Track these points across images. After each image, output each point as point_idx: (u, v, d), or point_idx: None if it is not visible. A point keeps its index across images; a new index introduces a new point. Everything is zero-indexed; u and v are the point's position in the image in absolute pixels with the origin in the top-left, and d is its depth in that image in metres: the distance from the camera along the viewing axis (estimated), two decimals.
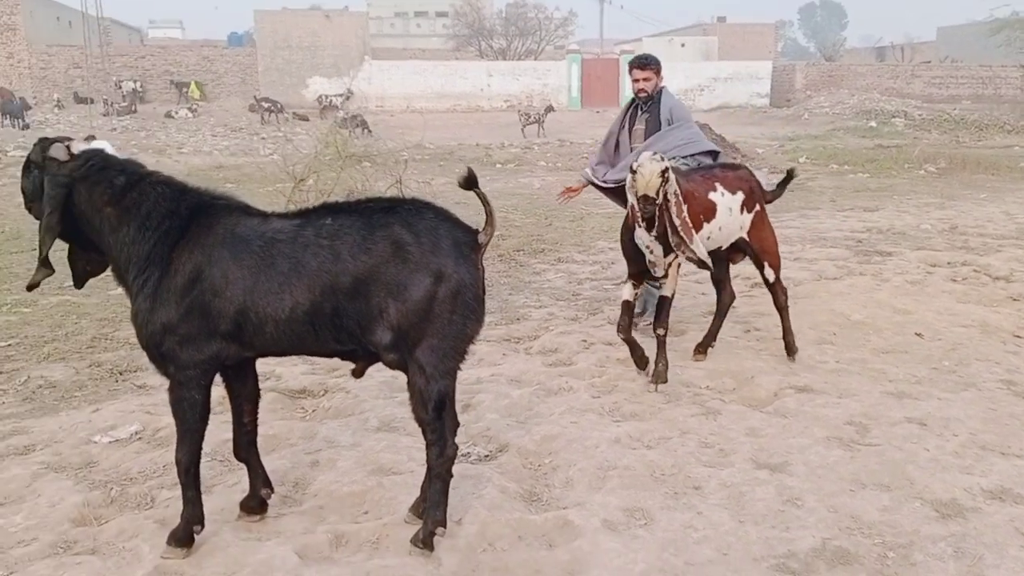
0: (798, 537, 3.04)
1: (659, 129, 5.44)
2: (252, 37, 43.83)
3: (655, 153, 4.17)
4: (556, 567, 2.89)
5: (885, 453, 3.72)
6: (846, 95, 36.44)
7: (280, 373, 4.97)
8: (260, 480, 3.19)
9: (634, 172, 4.00)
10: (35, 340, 5.74)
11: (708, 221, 4.61)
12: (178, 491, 3.33)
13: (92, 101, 32.27)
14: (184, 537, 2.92)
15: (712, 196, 4.67)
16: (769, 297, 6.40)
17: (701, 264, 4.39)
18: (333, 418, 4.27)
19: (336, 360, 5.08)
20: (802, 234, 9.59)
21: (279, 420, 4.25)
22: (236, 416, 3.13)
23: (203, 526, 2.99)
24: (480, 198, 2.87)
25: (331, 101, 33.91)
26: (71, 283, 3.17)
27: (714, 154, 5.53)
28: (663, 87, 5.61)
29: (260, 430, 3.50)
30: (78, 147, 2.89)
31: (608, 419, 4.10)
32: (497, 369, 4.98)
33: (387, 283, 2.70)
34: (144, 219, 2.75)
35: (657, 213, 4.12)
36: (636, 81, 5.50)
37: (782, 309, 5.15)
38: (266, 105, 29.45)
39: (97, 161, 2.86)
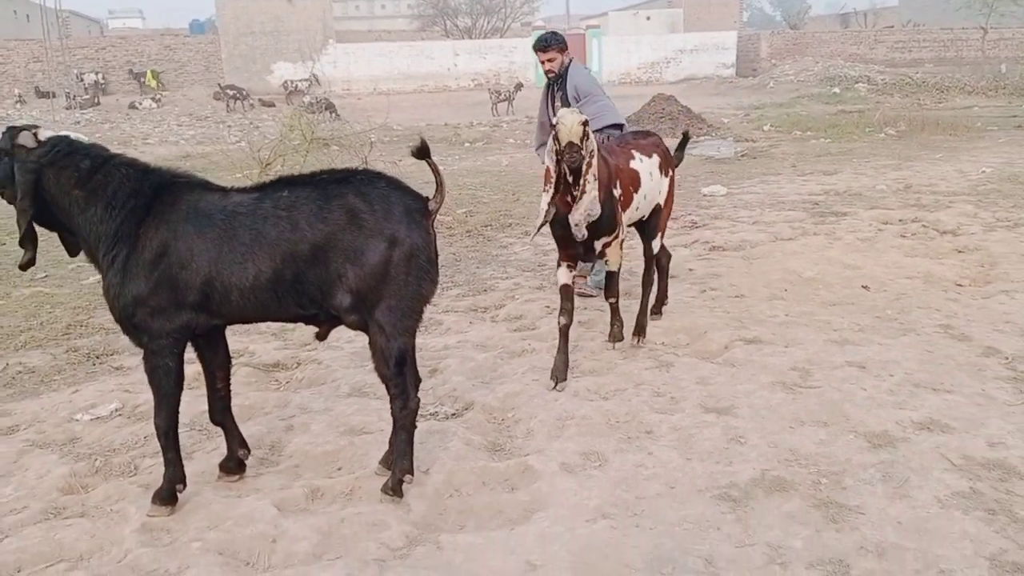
0: (740, 470, 3.29)
1: (567, 105, 5.47)
2: (214, 24, 43.34)
3: (574, 111, 4.08)
4: (517, 507, 3.12)
5: (824, 394, 3.98)
6: (811, 62, 36.79)
7: (254, 350, 5.15)
8: (236, 442, 3.38)
9: (555, 125, 3.91)
10: (11, 330, 5.85)
11: (636, 191, 4.59)
12: (159, 459, 3.53)
13: (54, 95, 31.83)
14: (168, 496, 3.12)
15: (633, 164, 4.64)
16: (724, 259, 6.68)
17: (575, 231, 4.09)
18: (306, 387, 4.47)
19: (308, 335, 5.29)
20: (761, 199, 9.84)
21: (254, 392, 4.43)
22: (209, 383, 3.32)
23: (185, 485, 3.19)
24: (431, 167, 3.06)
25: (296, 86, 33.74)
26: (43, 275, 3.34)
27: (621, 126, 5.61)
28: (571, 60, 5.68)
29: (236, 401, 3.69)
30: (45, 134, 3.04)
31: (568, 375, 4.32)
32: (463, 336, 5.19)
33: (344, 249, 2.89)
34: (110, 199, 2.92)
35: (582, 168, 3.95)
36: (542, 63, 5.61)
37: (653, 282, 5.10)
38: (231, 92, 29.28)
39: (63, 147, 3.01)
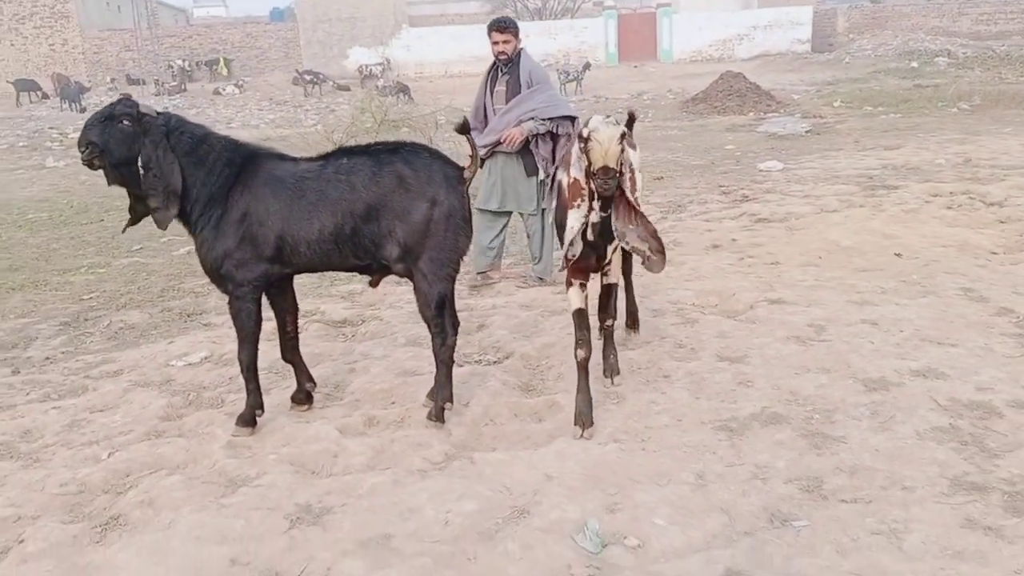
0: (742, 407, 3.71)
1: (519, 91, 5.57)
2: (293, 12, 44.62)
3: (608, 116, 3.35)
4: (542, 433, 3.61)
5: (833, 346, 4.34)
6: (890, 36, 35.80)
7: (324, 309, 5.75)
8: (304, 377, 3.97)
9: (586, 140, 3.14)
10: (112, 294, 6.60)
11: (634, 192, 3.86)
12: (242, 394, 4.14)
13: (144, 82, 33.55)
14: (249, 419, 3.71)
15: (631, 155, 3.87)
16: (767, 230, 6.92)
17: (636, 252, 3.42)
18: (368, 339, 5.04)
19: (373, 297, 5.86)
20: (816, 174, 10.01)
21: (324, 343, 5.02)
22: (281, 326, 3.91)
23: (263, 411, 3.79)
24: (468, 141, 3.56)
25: (371, 70, 34.70)
26: (139, 246, 3.88)
27: (574, 119, 5.59)
28: (522, 49, 5.73)
29: (307, 350, 4.27)
30: (152, 109, 3.62)
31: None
32: (511, 298, 5.69)
33: (394, 208, 3.41)
34: (211, 167, 3.48)
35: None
36: (496, 44, 5.58)
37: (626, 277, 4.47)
38: (308, 77, 30.33)
39: (175, 119, 3.59)
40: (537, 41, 38.12)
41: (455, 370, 4.29)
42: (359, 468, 3.38)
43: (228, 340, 5.20)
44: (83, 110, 28.66)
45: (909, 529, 2.75)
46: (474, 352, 4.63)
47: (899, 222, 7.05)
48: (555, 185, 3.87)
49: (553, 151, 5.66)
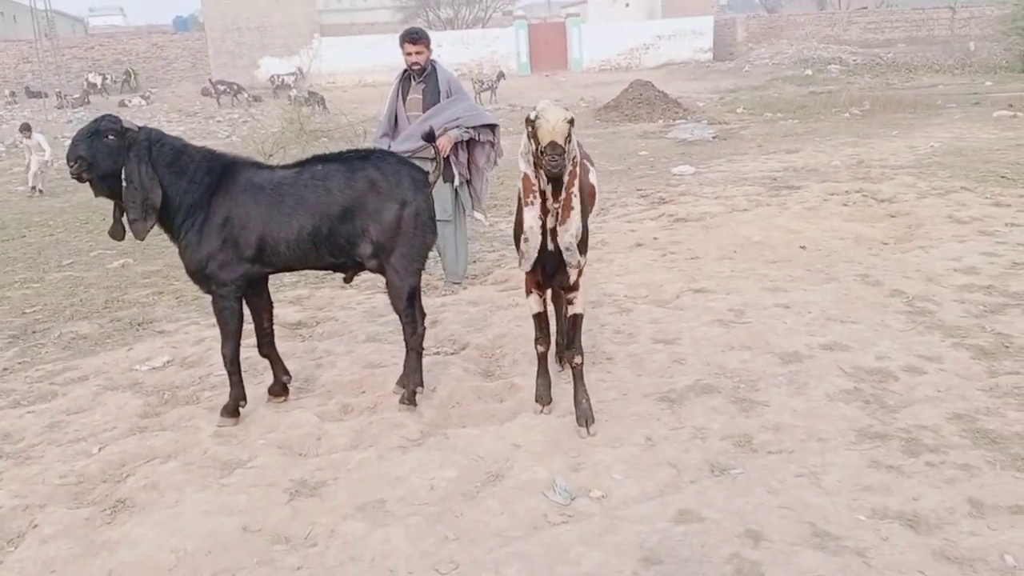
0: (678, 381, 4.21)
1: (438, 100, 5.75)
2: (198, 20, 43.83)
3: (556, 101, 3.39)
4: (505, 411, 4.02)
5: (753, 327, 4.90)
6: (785, 45, 37.74)
7: (278, 313, 5.98)
8: (280, 369, 4.28)
9: (533, 121, 3.19)
10: (55, 307, 6.68)
11: (592, 207, 3.98)
12: (217, 392, 4.42)
13: (45, 95, 32.44)
14: (233, 410, 4.00)
15: (591, 177, 3.97)
16: (685, 228, 7.46)
17: (566, 255, 3.48)
18: (328, 338, 5.35)
19: (322, 301, 6.14)
20: (726, 176, 10.75)
21: (284, 343, 5.26)
22: (257, 323, 4.21)
23: (246, 402, 4.08)
24: (434, 149, 3.97)
25: (283, 80, 34.47)
26: (70, 261, 4.04)
27: (495, 127, 5.93)
28: (434, 60, 5.91)
29: None
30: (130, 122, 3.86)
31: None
32: (458, 296, 6.08)
33: (367, 210, 3.78)
34: (192, 176, 3.76)
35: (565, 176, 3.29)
36: (409, 55, 5.71)
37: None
38: (222, 88, 29.92)
39: (155, 133, 3.85)
40: (450, 50, 38.60)
41: (424, 360, 4.68)
42: (343, 447, 3.72)
43: (187, 344, 5.44)
44: None
45: (826, 471, 3.28)
46: (432, 345, 5.00)
47: (802, 218, 7.75)
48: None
49: (469, 159, 5.98)
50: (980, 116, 15.96)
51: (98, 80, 34.10)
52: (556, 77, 37.71)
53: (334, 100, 29.30)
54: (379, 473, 3.44)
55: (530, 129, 3.24)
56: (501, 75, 31.09)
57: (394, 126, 5.96)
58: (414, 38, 5.75)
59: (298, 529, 3.10)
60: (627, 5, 44.71)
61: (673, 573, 2.71)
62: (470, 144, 5.95)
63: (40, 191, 13.45)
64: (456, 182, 5.96)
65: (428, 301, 5.90)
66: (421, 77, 5.83)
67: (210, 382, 4.66)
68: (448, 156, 5.75)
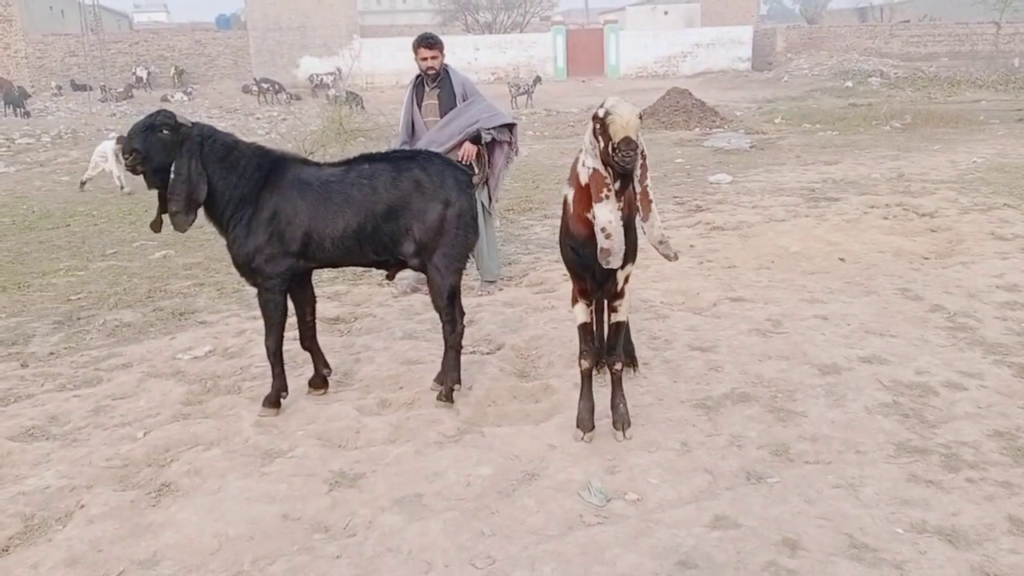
0: (714, 389, 4.21)
1: (454, 103, 5.75)
2: (240, 19, 44.47)
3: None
4: (540, 412, 4.05)
5: (790, 338, 4.89)
6: (825, 56, 37.46)
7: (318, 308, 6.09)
8: (321, 363, 4.35)
9: (603, 118, 3.14)
10: (99, 295, 6.82)
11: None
12: (258, 382, 4.50)
13: (90, 88, 33.10)
14: (274, 400, 4.08)
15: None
16: (722, 237, 7.43)
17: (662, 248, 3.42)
18: (366, 334, 5.42)
19: (361, 297, 6.21)
20: (763, 186, 10.68)
21: (324, 337, 5.32)
22: (300, 316, 4.28)
23: (287, 393, 4.15)
24: (478, 150, 4.02)
25: (322, 80, 34.85)
26: (113, 250, 4.11)
27: (513, 126, 5.87)
28: (447, 64, 5.90)
29: None
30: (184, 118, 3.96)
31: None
32: (493, 297, 6.12)
33: (411, 209, 3.83)
34: (242, 171, 3.85)
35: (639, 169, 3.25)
36: (424, 59, 5.69)
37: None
38: (265, 86, 30.31)
39: (207, 128, 3.94)
40: (487, 54, 38.86)
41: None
42: (381, 441, 3.77)
43: (228, 335, 5.53)
44: (27, 115, 28.19)
45: (864, 484, 3.27)
46: (469, 344, 5.04)
47: (841, 230, 7.69)
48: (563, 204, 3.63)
49: (490, 157, 5.86)
50: None
51: (144, 74, 34.73)
52: (592, 83, 37.74)
53: (371, 100, 29.58)
54: (416, 468, 3.49)
55: (598, 126, 3.18)
56: (538, 79, 31.15)
57: (411, 133, 5.97)
58: (429, 43, 5.74)
59: (337, 519, 3.15)
60: (666, 13, 44.67)
61: None
62: (490, 144, 5.85)
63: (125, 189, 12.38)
64: (475, 179, 5.95)
65: (465, 301, 5.97)
66: (435, 82, 5.85)
67: (251, 372, 4.74)
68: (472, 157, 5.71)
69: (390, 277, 4.21)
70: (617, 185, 3.26)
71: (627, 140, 3.06)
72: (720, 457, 3.52)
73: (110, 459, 3.71)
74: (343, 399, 4.27)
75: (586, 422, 3.74)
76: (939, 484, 3.26)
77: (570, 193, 3.50)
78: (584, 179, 3.32)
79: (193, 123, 3.93)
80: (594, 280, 3.55)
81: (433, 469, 3.47)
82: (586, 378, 3.77)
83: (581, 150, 3.39)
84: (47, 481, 3.51)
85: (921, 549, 2.84)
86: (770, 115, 22.51)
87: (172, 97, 31.73)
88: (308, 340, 4.31)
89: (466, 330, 5.26)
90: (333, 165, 4.05)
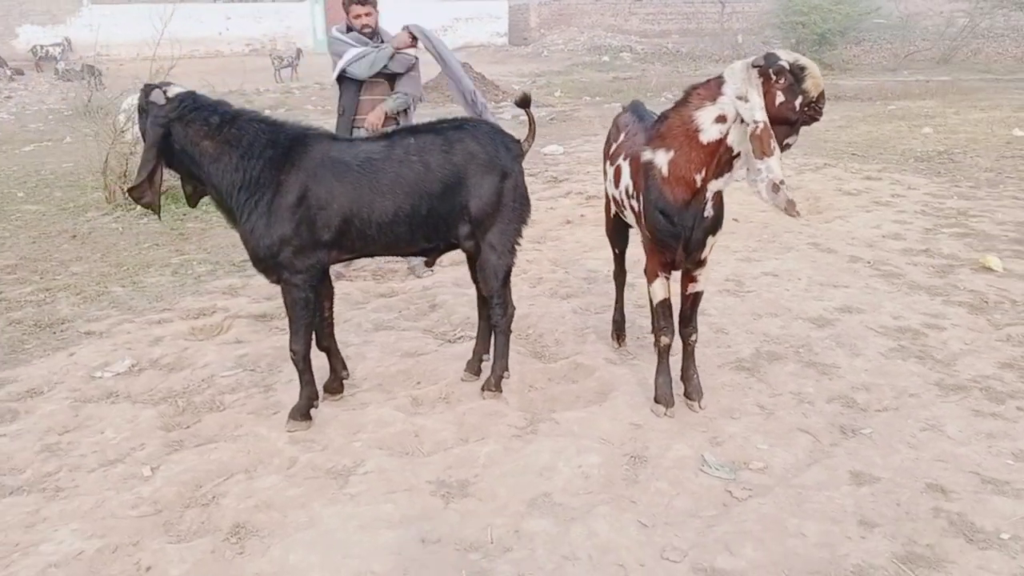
0: (739, 350, 4.26)
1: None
2: None
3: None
4: (591, 392, 3.86)
5: (762, 295, 5.07)
6: (576, 32, 39.23)
7: (242, 304, 5.36)
8: (339, 363, 3.82)
9: (798, 71, 2.97)
10: None
11: None
12: (241, 394, 3.91)
13: None
14: (305, 411, 3.53)
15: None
16: (601, 205, 7.58)
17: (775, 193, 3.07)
18: None
19: (270, 290, 5.55)
20: (599, 155, 10.96)
21: (262, 336, 4.74)
22: (319, 312, 3.71)
23: (319, 400, 3.61)
24: (528, 116, 3.70)
25: (48, 52, 30.72)
26: None
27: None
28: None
29: (269, 343, 4.05)
30: (173, 91, 3.28)
31: (557, 298, 5.09)
32: (435, 279, 5.74)
33: (467, 184, 3.44)
34: (246, 149, 3.24)
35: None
36: (358, 17, 5.34)
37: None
38: None
39: (189, 102, 3.28)
40: (240, 24, 36.41)
41: (459, 346, 4.38)
42: (453, 442, 3.40)
43: (143, 345, 4.72)
44: None
45: (943, 424, 3.47)
46: (448, 330, 4.70)
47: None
48: (644, 169, 3.38)
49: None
50: None
51: None
52: None
53: (109, 75, 26.48)
54: (520, 466, 3.19)
55: (783, 81, 2.95)
56: (300, 52, 29.67)
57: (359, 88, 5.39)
58: None
59: (475, 534, 2.79)
60: None
61: (894, 534, 2.75)
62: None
63: None
64: None
65: (412, 284, 5.55)
66: (372, 39, 5.38)
67: (218, 385, 4.05)
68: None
69: (430, 264, 3.76)
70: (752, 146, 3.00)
71: (823, 93, 2.99)
72: (802, 415, 3.57)
73: (136, 505, 3.01)
74: (370, 401, 3.79)
75: (667, 397, 3.66)
76: (1001, 415, 3.53)
77: (662, 156, 3.29)
78: (712, 136, 3.12)
79: (174, 96, 3.26)
80: (685, 249, 3.40)
81: (539, 465, 3.19)
82: (663, 353, 3.67)
83: (675, 110, 3.28)
84: (73, 545, 2.78)
85: None
86: (547, 88, 23.18)
87: None
88: (326, 339, 3.76)
89: (435, 315, 4.94)
90: (368, 140, 3.53)
